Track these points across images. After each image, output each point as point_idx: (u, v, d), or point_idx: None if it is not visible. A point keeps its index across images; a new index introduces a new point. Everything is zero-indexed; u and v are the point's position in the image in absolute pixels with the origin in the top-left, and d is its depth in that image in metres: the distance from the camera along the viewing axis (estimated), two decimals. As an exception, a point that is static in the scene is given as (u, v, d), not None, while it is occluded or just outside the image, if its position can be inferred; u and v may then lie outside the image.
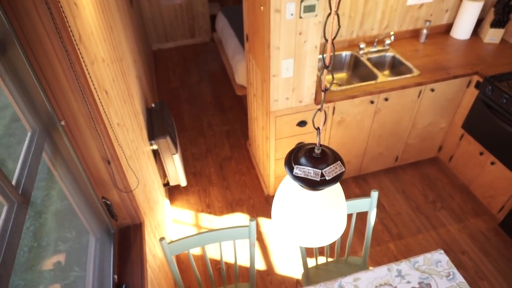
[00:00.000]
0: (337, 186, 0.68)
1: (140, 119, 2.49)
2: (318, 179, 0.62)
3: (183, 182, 3.10)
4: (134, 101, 2.38)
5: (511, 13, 3.01)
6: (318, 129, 0.63)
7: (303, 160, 0.64)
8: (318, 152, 0.64)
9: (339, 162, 0.64)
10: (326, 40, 0.57)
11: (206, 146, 3.74)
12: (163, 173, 3.05)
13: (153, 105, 3.08)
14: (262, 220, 2.99)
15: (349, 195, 3.22)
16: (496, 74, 2.74)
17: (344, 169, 0.65)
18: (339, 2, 0.47)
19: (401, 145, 3.18)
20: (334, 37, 0.55)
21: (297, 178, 0.62)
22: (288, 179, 0.69)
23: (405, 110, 2.91)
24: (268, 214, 3.07)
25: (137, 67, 3.02)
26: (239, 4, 5.11)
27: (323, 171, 0.62)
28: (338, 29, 0.57)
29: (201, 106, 4.30)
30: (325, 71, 0.63)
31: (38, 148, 1.09)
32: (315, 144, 0.66)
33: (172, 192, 3.29)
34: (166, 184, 3.11)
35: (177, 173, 2.99)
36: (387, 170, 3.40)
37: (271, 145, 2.76)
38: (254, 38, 2.51)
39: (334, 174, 0.63)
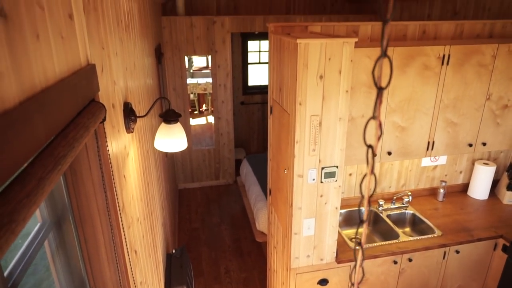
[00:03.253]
0: None
1: (160, 269, 2.49)
2: None
3: None
4: (157, 251, 2.43)
5: (524, 178, 3.13)
6: None
7: None
8: None
9: None
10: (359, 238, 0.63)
11: (221, 295, 3.57)
12: (174, 327, 2.85)
13: (173, 251, 3.10)
14: None
15: None
16: (522, 239, 2.69)
17: None
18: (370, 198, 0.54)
19: (431, 309, 2.95)
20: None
21: None
22: None
23: (431, 272, 2.80)
24: None
25: (164, 213, 3.16)
26: (263, 153, 5.54)
27: None
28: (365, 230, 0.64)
29: (219, 249, 4.27)
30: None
31: (65, 321, 1.11)
32: None
33: None
34: None
35: (189, 328, 2.79)
36: (418, 338, 3.06)
37: (291, 303, 2.62)
38: (277, 195, 2.67)
39: None
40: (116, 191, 1.28)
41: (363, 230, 0.50)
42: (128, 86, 1.76)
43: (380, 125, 0.45)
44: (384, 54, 0.41)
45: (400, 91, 2.50)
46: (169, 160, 4.58)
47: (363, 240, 0.51)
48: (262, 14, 5.60)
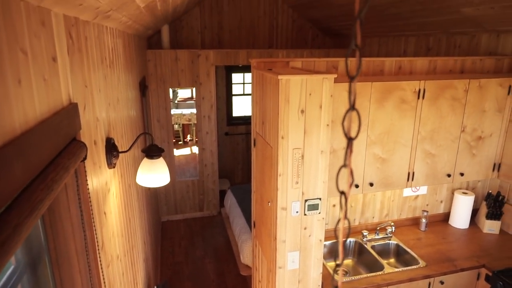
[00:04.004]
0: None
1: (141, 308, 2.39)
2: None
3: None
4: (138, 288, 2.35)
5: (503, 207, 3.21)
6: None
7: None
8: None
9: None
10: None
11: (205, 334, 3.43)
12: None
13: (155, 287, 3.00)
14: None
15: None
16: (504, 269, 2.72)
17: None
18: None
19: None
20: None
21: None
22: None
23: (417, 304, 2.78)
24: None
25: (146, 247, 3.08)
26: (247, 183, 5.53)
27: None
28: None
29: (203, 284, 4.15)
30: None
31: None
32: None
33: None
34: None
35: None
36: None
37: None
38: (261, 228, 2.65)
39: None
40: (95, 229, 1.26)
41: (339, 276, 0.51)
42: (111, 121, 1.77)
43: (351, 173, 0.47)
44: (352, 107, 0.44)
45: (380, 123, 2.57)
46: (152, 192, 4.51)
47: (339, 285, 0.52)
48: (246, 48, 5.75)
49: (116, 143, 1.82)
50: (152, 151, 1.66)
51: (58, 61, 0.97)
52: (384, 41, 4.83)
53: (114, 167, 1.64)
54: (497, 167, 2.98)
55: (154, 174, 1.67)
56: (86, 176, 1.16)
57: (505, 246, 3.05)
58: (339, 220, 0.50)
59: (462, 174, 2.90)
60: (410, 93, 2.58)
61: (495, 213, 3.21)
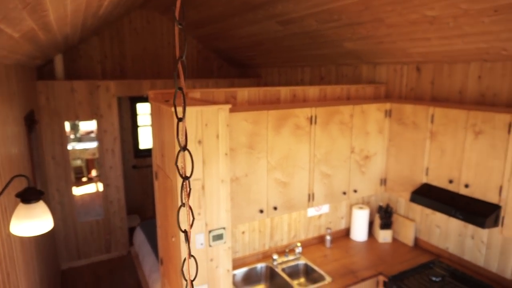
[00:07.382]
0: None
1: None
2: None
3: None
4: None
5: (392, 217, 3.58)
6: None
7: None
8: None
9: None
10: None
11: None
12: None
13: None
14: None
15: None
16: (397, 274, 2.99)
17: None
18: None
19: None
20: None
21: None
22: None
23: (326, 320, 2.89)
24: None
25: (36, 304, 2.70)
26: (158, 217, 5.28)
27: None
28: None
29: (111, 335, 3.76)
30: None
31: None
32: None
33: None
34: None
35: None
36: None
37: None
38: (169, 265, 2.52)
39: None
40: None
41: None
42: (-22, 164, 1.55)
43: (191, 209, 0.47)
44: (183, 148, 0.44)
45: (278, 149, 2.70)
46: (47, 237, 4.03)
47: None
48: (151, 78, 5.65)
49: (-15, 188, 1.59)
50: (28, 195, 1.48)
51: None
52: (284, 71, 5.17)
53: (-20, 217, 1.43)
54: (383, 182, 3.33)
55: (33, 221, 1.49)
56: None
57: (397, 252, 3.37)
58: (184, 260, 0.49)
59: (355, 191, 3.18)
60: (304, 120, 2.77)
61: (386, 223, 3.55)
